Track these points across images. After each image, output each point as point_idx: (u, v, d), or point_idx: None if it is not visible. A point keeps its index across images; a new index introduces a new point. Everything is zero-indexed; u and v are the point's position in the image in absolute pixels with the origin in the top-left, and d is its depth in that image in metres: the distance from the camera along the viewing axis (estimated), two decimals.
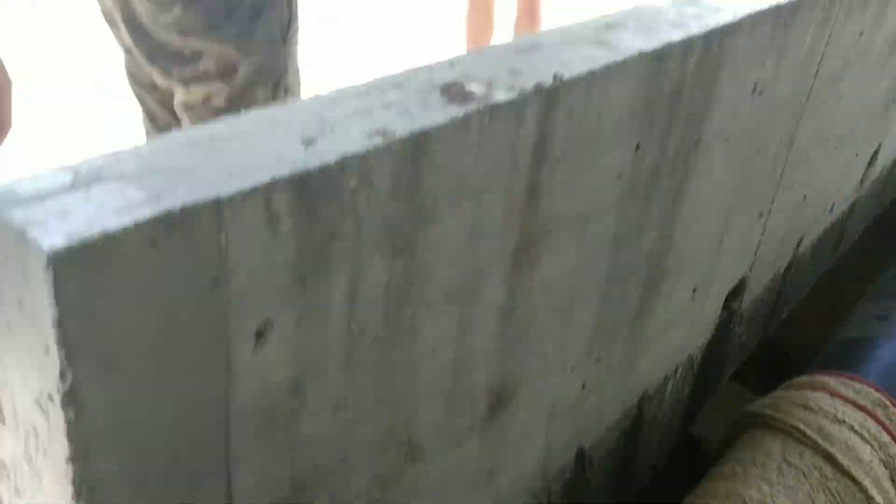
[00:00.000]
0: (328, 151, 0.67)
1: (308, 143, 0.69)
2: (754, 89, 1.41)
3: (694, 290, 1.60)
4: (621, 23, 1.12)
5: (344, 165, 0.68)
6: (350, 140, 0.70)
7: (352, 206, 0.71)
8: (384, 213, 0.74)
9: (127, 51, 1.45)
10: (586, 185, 1.05)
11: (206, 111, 1.39)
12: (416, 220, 0.79)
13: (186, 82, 1.41)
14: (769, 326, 2.29)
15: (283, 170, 0.64)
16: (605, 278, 1.23)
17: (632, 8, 1.22)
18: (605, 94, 0.99)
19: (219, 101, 1.44)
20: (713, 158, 1.38)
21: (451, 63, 0.91)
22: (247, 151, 0.67)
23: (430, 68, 0.89)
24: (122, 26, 1.39)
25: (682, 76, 1.15)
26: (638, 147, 1.13)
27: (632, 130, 1.10)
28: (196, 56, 1.36)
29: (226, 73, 1.39)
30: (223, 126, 0.71)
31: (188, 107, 1.44)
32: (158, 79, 1.42)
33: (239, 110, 0.79)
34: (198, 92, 1.41)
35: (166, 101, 1.52)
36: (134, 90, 1.57)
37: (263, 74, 1.45)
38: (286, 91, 1.53)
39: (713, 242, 1.59)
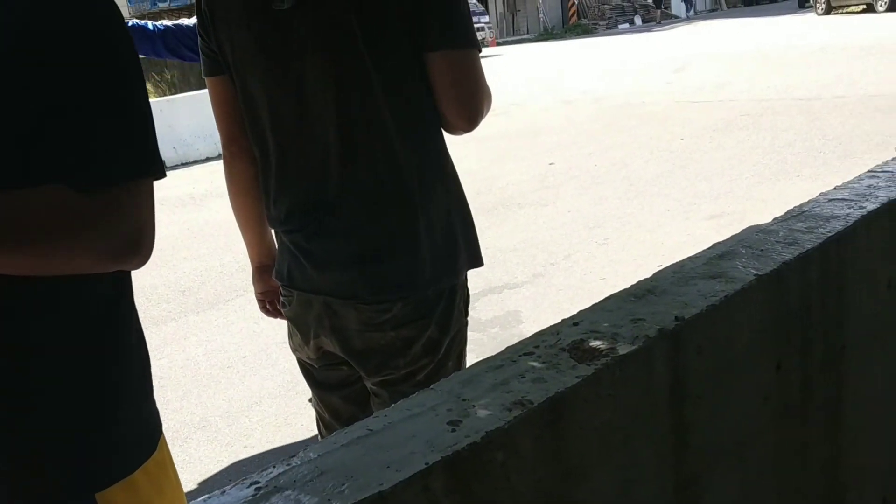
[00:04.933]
0: (473, 431, 0.73)
1: (454, 425, 0.75)
2: (889, 285, 1.39)
3: (883, 502, 1.49)
4: (733, 251, 1.17)
5: (490, 441, 0.73)
6: (492, 416, 0.75)
7: (503, 477, 0.75)
8: (534, 479, 0.77)
9: (317, 360, 1.59)
10: (733, 414, 1.05)
11: (407, 387, 1.49)
12: (566, 481, 0.81)
13: (397, 369, 1.53)
14: None
15: (435, 455, 0.70)
16: None
17: (741, 233, 1.27)
18: (731, 325, 1.02)
19: (420, 375, 1.56)
20: (863, 360, 1.35)
21: (575, 321, 0.97)
22: (400, 441, 0.73)
23: (556, 330, 0.95)
24: (327, 339, 1.52)
25: (805, 290, 1.16)
26: (779, 367, 1.13)
27: (767, 352, 1.10)
28: (408, 344, 1.50)
29: (431, 350, 1.52)
30: (378, 419, 0.78)
31: (388, 384, 1.55)
32: (371, 377, 1.54)
33: (436, 380, 0.87)
34: (403, 374, 1.55)
35: (354, 395, 1.64)
36: (317, 394, 1.68)
37: (455, 345, 1.58)
38: (461, 356, 1.64)
39: (889, 445, 1.49)
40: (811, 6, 24.19)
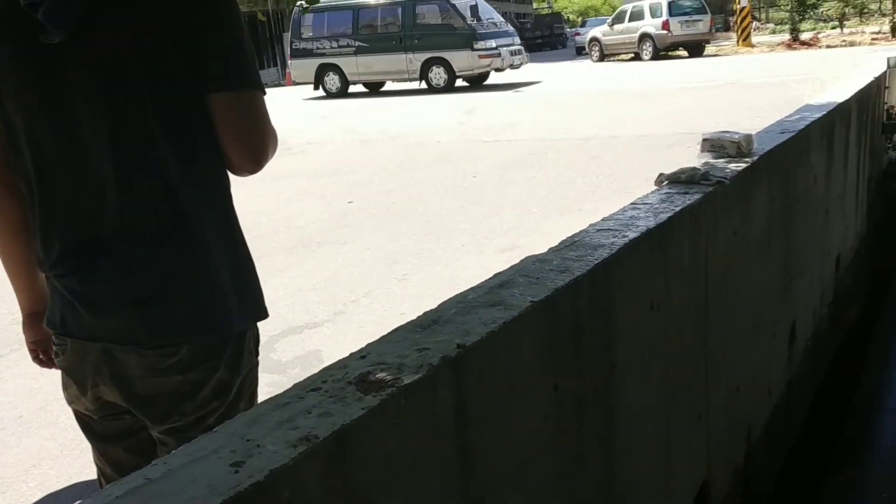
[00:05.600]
0: (257, 470, 0.72)
1: (237, 466, 0.73)
2: (651, 307, 1.53)
3: None
4: (511, 280, 1.24)
5: (275, 480, 0.72)
6: (276, 454, 0.74)
7: None
8: None
9: (97, 411, 1.49)
10: (516, 435, 1.10)
11: (197, 432, 1.42)
12: None
13: (185, 415, 1.47)
14: None
15: (216, 499, 0.68)
16: None
17: (519, 263, 1.35)
18: (510, 350, 1.08)
19: (211, 419, 1.50)
20: (632, 378, 1.46)
21: (362, 354, 0.99)
22: (180, 488, 0.71)
23: (343, 364, 0.96)
24: (107, 388, 1.43)
25: (577, 315, 1.25)
26: (556, 387, 1.20)
27: (545, 374, 1.17)
28: (196, 387, 1.44)
29: (221, 393, 1.47)
30: (157, 467, 0.75)
31: (176, 431, 1.47)
32: (157, 425, 1.46)
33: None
34: (192, 420, 1.47)
35: (139, 446, 1.54)
36: (97, 448, 1.58)
37: (247, 386, 1.53)
38: (252, 397, 1.60)
39: (660, 456, 1.62)
40: (587, 54, 26.24)
